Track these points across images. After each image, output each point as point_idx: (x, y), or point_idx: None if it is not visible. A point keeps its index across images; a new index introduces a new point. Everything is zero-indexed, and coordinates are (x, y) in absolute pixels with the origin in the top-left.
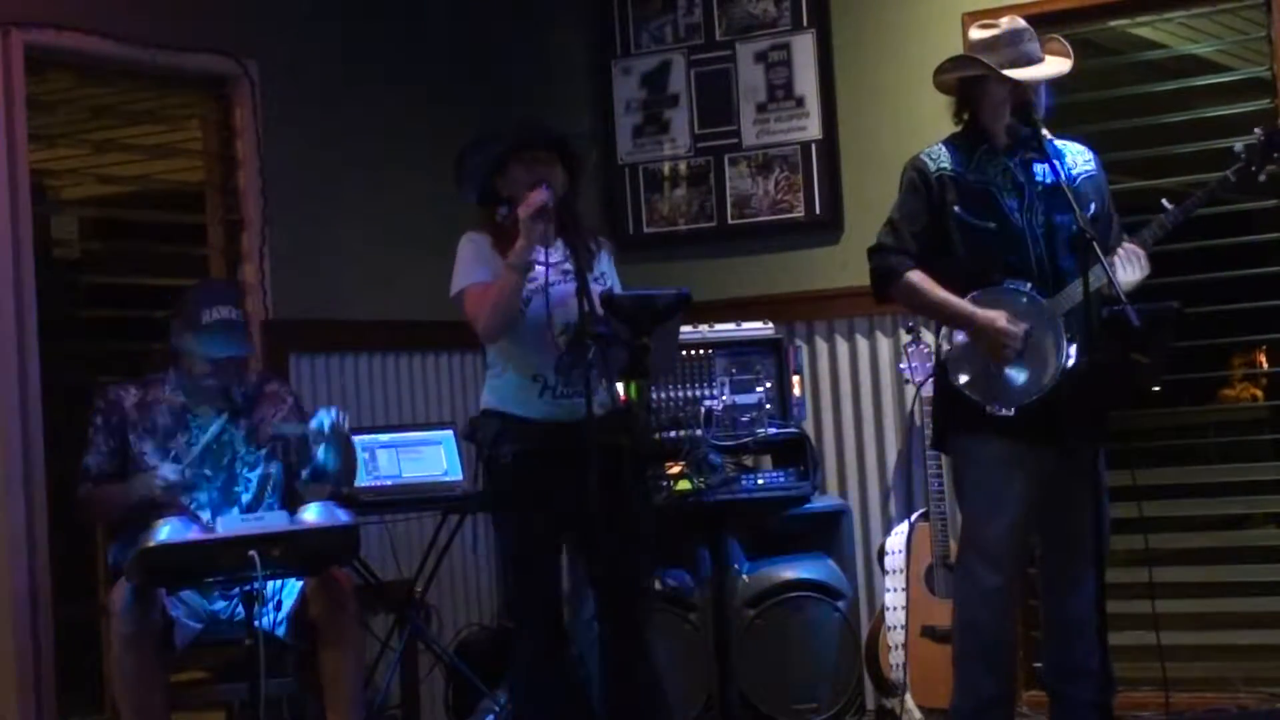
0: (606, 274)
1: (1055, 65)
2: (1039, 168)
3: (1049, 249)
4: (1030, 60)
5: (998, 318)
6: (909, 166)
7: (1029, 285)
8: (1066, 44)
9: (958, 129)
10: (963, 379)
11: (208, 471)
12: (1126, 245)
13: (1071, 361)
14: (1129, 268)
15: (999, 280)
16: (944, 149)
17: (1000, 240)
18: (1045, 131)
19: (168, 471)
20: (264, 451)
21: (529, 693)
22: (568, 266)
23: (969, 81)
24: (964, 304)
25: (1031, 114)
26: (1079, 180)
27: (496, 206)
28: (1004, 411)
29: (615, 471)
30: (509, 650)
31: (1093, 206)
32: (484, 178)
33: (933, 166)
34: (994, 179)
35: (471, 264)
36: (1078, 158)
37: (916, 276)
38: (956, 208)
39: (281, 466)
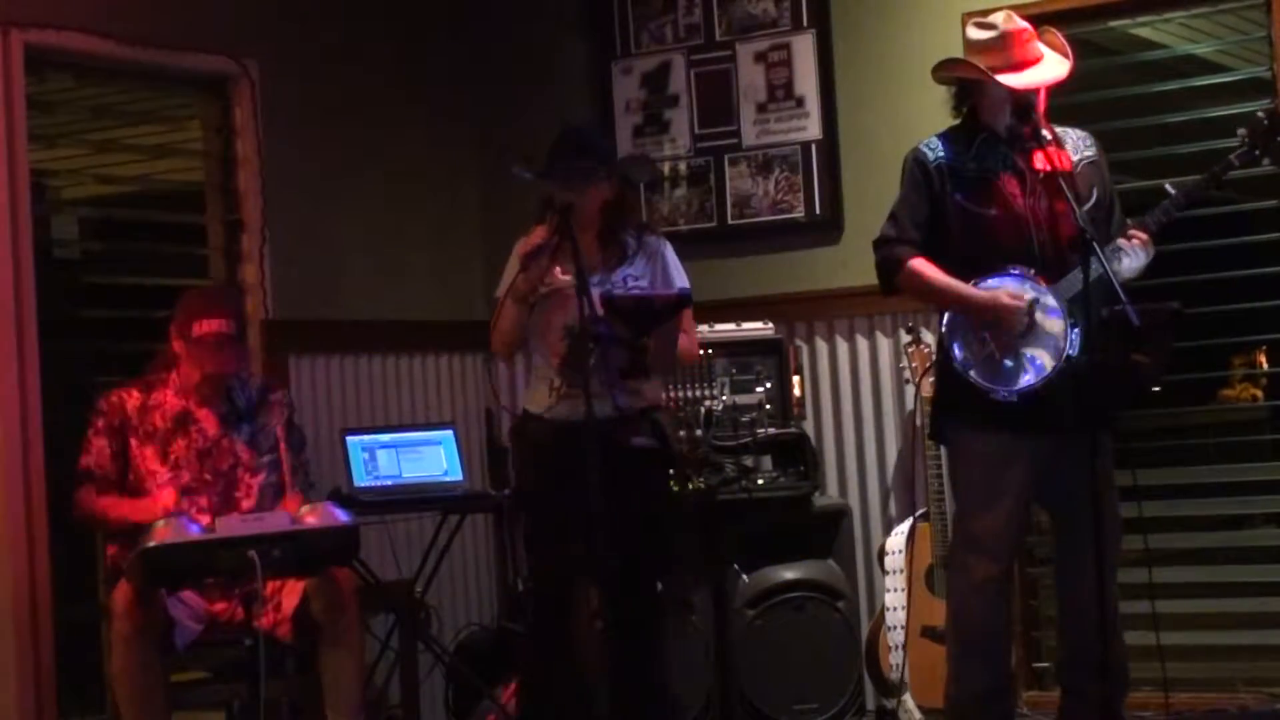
0: (637, 274)
1: (1053, 69)
2: (1039, 156)
3: (1052, 235)
4: (1029, 61)
5: (1000, 295)
6: (908, 158)
7: (1032, 271)
8: (1063, 39)
9: (957, 121)
10: (966, 365)
11: (208, 476)
12: (1130, 232)
13: (1075, 350)
14: (1131, 255)
15: (1001, 267)
16: (942, 140)
17: (1002, 227)
18: (1045, 132)
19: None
20: (266, 459)
21: (534, 686)
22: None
23: (968, 79)
24: (967, 287)
25: (1031, 114)
26: (1080, 166)
27: (546, 208)
28: (1008, 397)
29: (633, 473)
30: (511, 649)
31: (1094, 193)
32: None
33: (932, 157)
34: (994, 166)
35: (509, 271)
36: (1079, 143)
37: (919, 263)
38: (957, 196)
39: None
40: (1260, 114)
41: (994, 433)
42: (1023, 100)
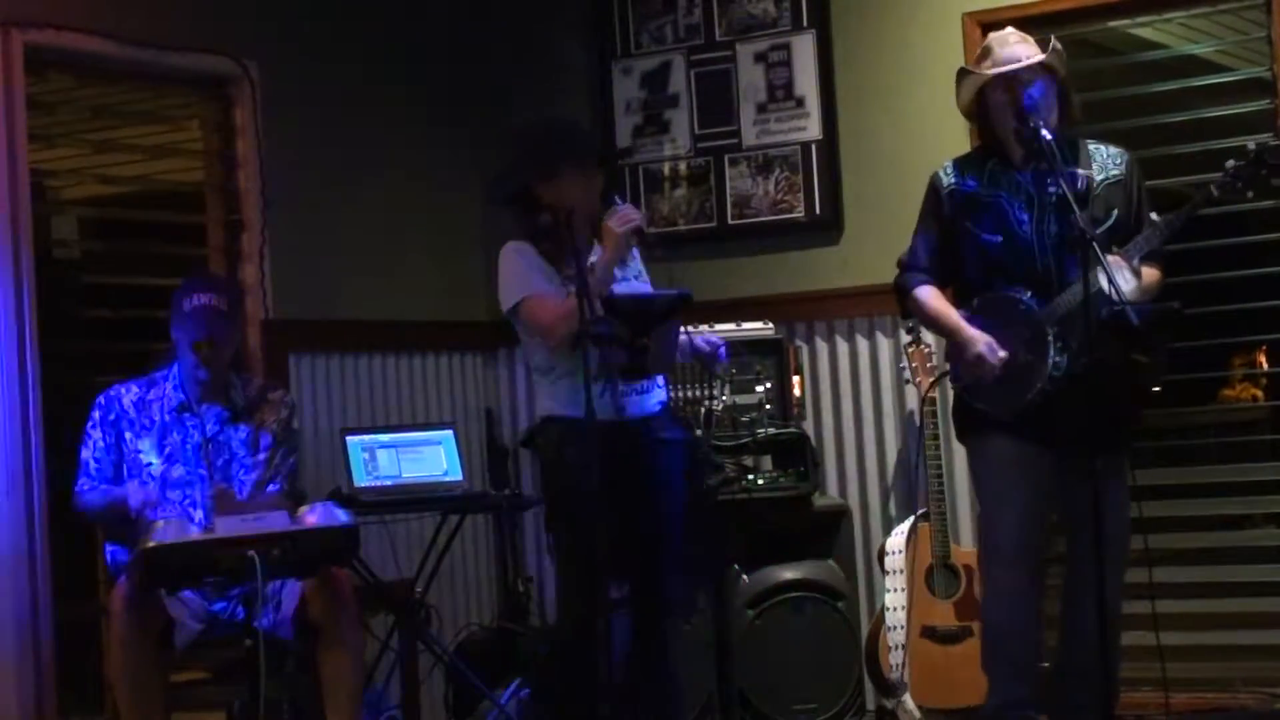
0: (642, 271)
1: (1027, 57)
2: (1053, 178)
3: (1057, 260)
4: (1016, 60)
5: (979, 344)
6: (928, 184)
7: (1028, 294)
8: (1055, 40)
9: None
10: (962, 383)
11: (202, 470)
12: (1112, 255)
13: (1059, 373)
14: (1118, 277)
15: (1001, 288)
16: (957, 166)
17: (1006, 253)
18: (1047, 134)
19: (134, 498)
20: (261, 456)
21: (565, 681)
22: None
23: (979, 99)
24: (958, 322)
25: (1030, 117)
26: (1102, 186)
27: (536, 213)
28: (999, 416)
29: (672, 468)
30: (515, 649)
31: (1113, 215)
32: (530, 182)
33: (945, 182)
34: (1005, 192)
35: (528, 273)
36: (1108, 162)
37: (923, 293)
38: (967, 222)
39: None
40: (1251, 146)
41: (1001, 440)
42: (1020, 101)
